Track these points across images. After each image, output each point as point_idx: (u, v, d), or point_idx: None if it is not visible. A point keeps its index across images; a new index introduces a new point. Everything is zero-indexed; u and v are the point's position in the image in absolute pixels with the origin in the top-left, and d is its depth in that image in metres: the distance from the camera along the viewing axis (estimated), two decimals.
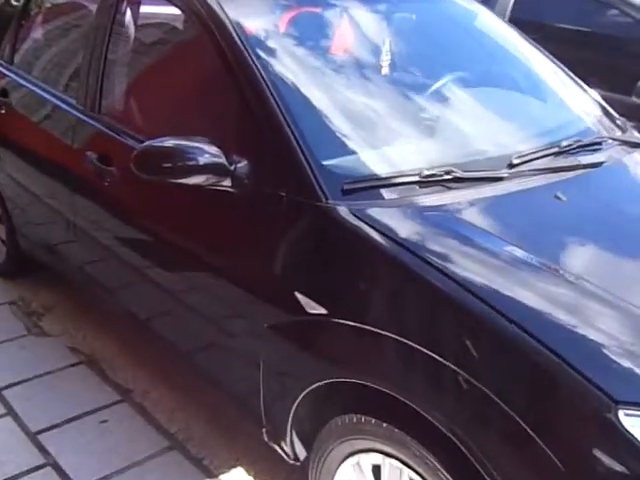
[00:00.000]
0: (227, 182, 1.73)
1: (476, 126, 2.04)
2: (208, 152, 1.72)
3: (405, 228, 1.56)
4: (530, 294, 1.38)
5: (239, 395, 1.99)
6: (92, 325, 2.93)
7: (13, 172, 2.86)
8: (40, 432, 2.26)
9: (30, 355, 2.68)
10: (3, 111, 2.83)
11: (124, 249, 2.29)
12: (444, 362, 1.33)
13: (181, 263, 2.06)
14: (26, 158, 2.77)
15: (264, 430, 1.85)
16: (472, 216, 1.63)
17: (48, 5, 2.93)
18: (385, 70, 2.14)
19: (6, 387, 2.49)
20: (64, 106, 2.50)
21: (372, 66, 2.13)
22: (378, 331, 1.46)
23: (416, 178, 1.69)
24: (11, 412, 2.36)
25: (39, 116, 2.69)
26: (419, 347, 1.37)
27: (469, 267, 1.44)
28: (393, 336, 1.43)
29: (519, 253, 1.49)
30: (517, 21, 3.06)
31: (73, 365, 2.64)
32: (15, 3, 3.00)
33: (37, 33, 2.89)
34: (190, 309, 2.05)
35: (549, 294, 1.39)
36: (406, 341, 1.40)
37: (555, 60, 2.45)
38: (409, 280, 1.46)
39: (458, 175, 1.72)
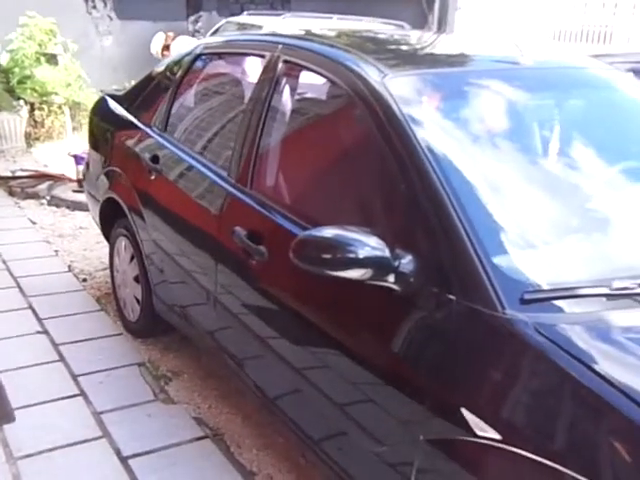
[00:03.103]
0: (390, 278, 1.62)
1: None
2: (369, 244, 1.61)
3: (600, 353, 1.37)
4: None
5: None
6: (218, 395, 2.87)
7: (156, 235, 2.90)
8: None
9: (156, 424, 2.64)
10: (153, 177, 2.88)
11: (264, 325, 2.20)
12: None
13: (324, 350, 1.95)
14: (170, 223, 2.79)
15: None
16: None
17: (204, 78, 2.99)
18: (563, 160, 1.98)
19: (132, 456, 2.45)
20: (214, 177, 2.49)
21: (548, 155, 1.97)
22: (561, 469, 1.28)
23: (606, 290, 1.51)
24: None
25: (187, 184, 2.71)
26: None
27: None
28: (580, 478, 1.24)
29: None
30: None
31: (198, 439, 2.57)
32: (172, 75, 3.08)
33: (191, 104, 2.95)
34: (326, 396, 1.92)
35: None
36: None
37: None
38: (606, 416, 1.27)
39: None
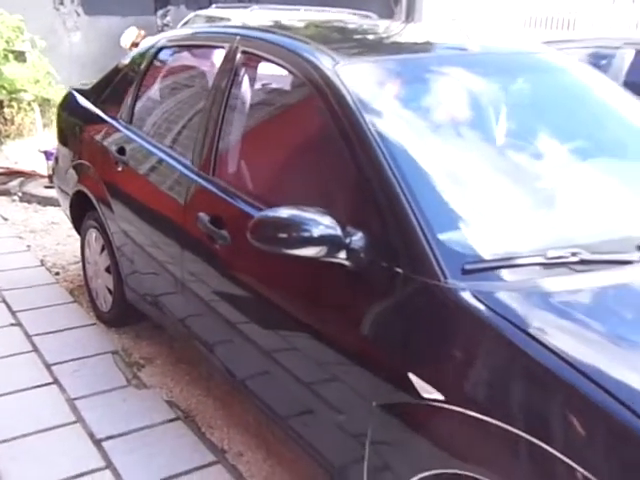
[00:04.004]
0: (342, 255, 1.71)
1: (600, 202, 1.94)
2: (322, 223, 1.70)
3: (533, 316, 1.47)
4: None
5: (338, 466, 1.93)
6: (190, 379, 2.95)
7: (125, 226, 2.96)
8: None
9: (129, 408, 2.72)
10: (120, 168, 2.94)
11: (230, 309, 2.28)
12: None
13: (288, 329, 2.04)
14: (138, 213, 2.86)
15: None
16: (606, 305, 1.53)
17: (167, 70, 3.05)
18: (503, 140, 2.09)
19: (107, 439, 2.52)
20: (178, 166, 2.57)
21: (490, 137, 2.08)
22: (501, 424, 1.38)
23: (541, 259, 1.61)
24: (110, 466, 2.38)
25: (153, 174, 2.78)
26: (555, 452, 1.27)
27: (608, 365, 1.34)
28: (519, 432, 1.34)
29: None
30: (632, 85, 2.95)
31: (171, 421, 2.65)
32: (136, 68, 3.14)
33: (155, 96, 3.01)
34: (291, 374, 2.02)
35: None
36: (534, 439, 1.32)
37: None
38: (538, 373, 1.37)
39: (585, 258, 1.63)
